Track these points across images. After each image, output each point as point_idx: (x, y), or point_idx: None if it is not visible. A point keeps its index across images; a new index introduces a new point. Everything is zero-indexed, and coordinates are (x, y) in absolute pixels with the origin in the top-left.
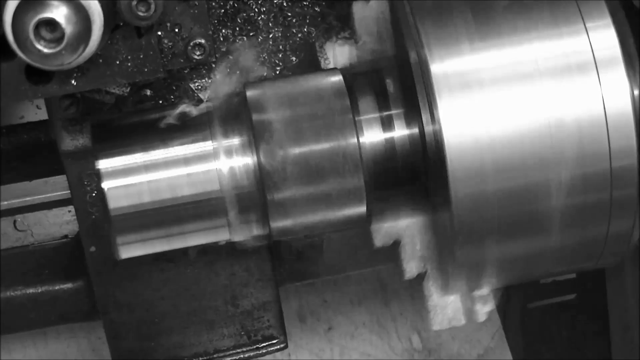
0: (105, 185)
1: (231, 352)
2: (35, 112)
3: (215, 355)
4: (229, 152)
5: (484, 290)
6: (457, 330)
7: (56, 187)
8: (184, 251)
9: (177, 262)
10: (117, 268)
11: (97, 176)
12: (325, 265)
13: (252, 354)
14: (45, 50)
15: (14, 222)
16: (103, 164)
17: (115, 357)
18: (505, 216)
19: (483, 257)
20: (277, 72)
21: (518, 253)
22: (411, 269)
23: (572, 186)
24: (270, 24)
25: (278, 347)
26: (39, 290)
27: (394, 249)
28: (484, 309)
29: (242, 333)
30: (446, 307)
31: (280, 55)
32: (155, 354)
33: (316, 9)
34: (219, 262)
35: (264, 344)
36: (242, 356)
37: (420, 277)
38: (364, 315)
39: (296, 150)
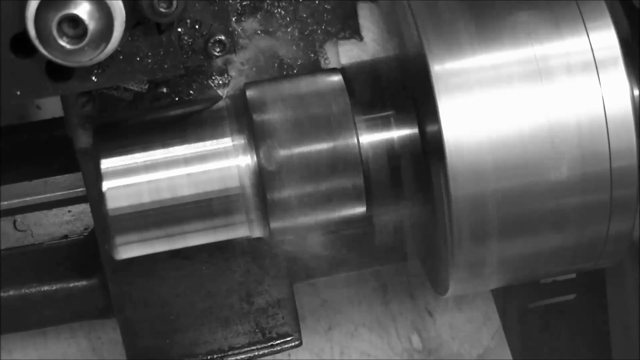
0: (105, 185)
1: (246, 349)
2: (35, 112)
3: (229, 353)
4: (245, 149)
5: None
6: (457, 330)
7: (56, 187)
8: (200, 248)
9: (193, 259)
10: (133, 265)
11: (98, 176)
12: (325, 265)
13: (266, 351)
14: (68, 47)
15: (14, 222)
16: (105, 164)
17: (130, 354)
18: (505, 216)
19: (482, 257)
20: (295, 70)
21: (518, 253)
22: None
23: (572, 186)
24: (289, 19)
25: (292, 344)
26: (54, 288)
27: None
28: None
29: (257, 330)
30: None
31: (300, 53)
32: (170, 352)
33: (326, 6)
34: (234, 260)
35: (279, 341)
36: (256, 353)
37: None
38: (364, 315)
39: (296, 150)
